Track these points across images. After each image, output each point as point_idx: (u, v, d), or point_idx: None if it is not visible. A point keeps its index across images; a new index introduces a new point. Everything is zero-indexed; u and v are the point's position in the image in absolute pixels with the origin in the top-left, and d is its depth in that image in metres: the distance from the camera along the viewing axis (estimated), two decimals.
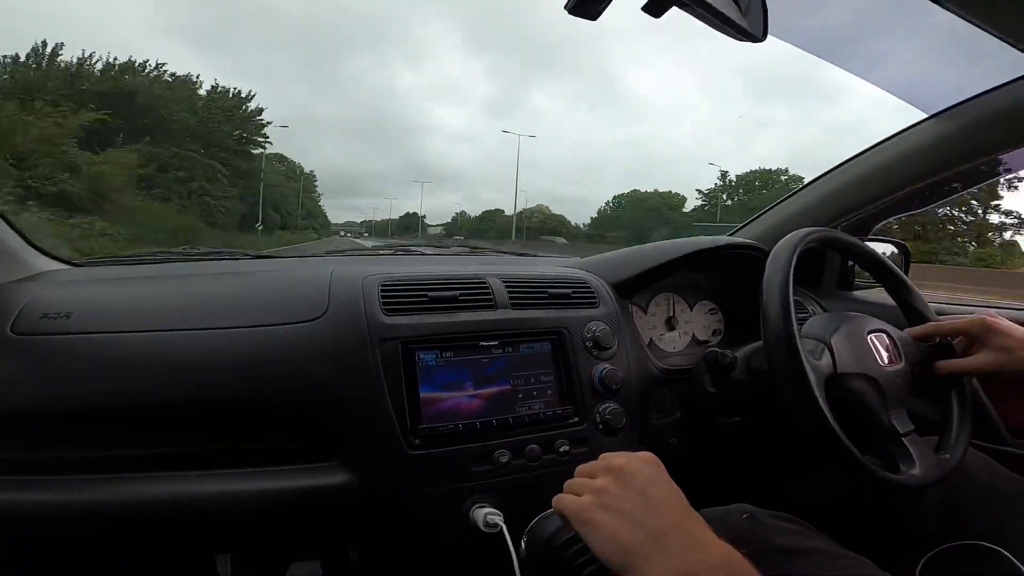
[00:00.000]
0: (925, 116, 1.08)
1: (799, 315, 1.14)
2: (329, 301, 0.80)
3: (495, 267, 1.01)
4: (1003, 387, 0.99)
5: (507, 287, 0.88)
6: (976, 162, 1.07)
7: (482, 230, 69.26)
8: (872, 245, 1.31)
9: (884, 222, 1.32)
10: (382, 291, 0.82)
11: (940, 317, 0.86)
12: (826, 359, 0.73)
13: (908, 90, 1.12)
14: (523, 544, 0.66)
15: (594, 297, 0.94)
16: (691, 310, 1.17)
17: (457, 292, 0.84)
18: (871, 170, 1.17)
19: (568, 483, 0.57)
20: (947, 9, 0.77)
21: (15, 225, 0.99)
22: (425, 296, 0.83)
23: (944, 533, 0.73)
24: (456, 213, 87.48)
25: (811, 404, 0.66)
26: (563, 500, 0.54)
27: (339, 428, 0.75)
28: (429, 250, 1.38)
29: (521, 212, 59.28)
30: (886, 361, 0.76)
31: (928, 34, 1.02)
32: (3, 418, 0.70)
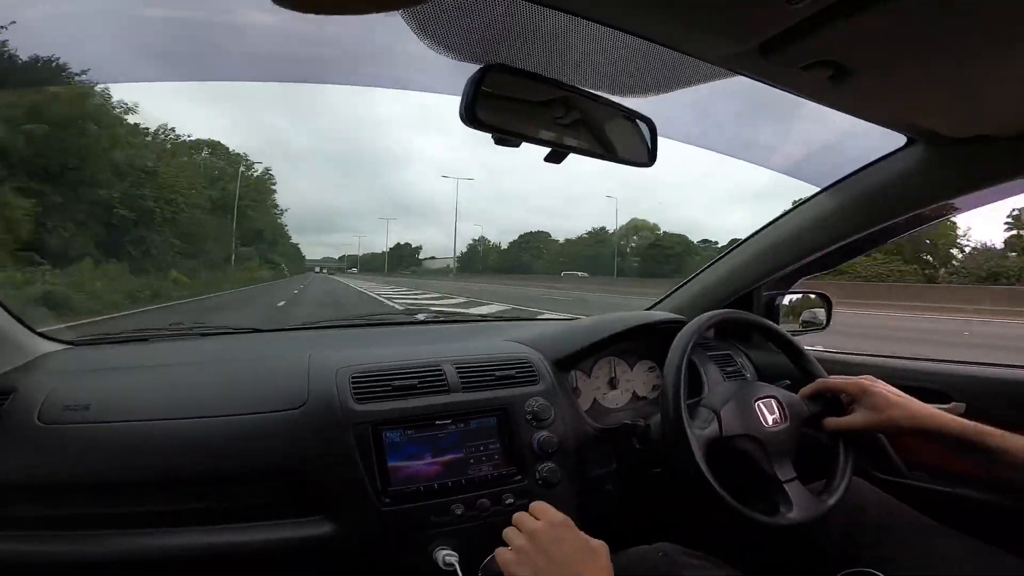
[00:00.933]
0: (818, 190, 1.25)
1: (726, 369, 1.31)
2: (309, 392, 0.97)
3: (450, 347, 1.17)
4: None
5: (459, 372, 1.05)
6: (870, 229, 1.20)
7: (524, 261, 64.23)
8: (794, 297, 1.49)
9: (804, 278, 1.49)
10: (352, 383, 0.98)
11: (829, 376, 1.00)
12: (713, 426, 0.90)
13: (799, 170, 1.31)
14: None
15: (535, 375, 1.11)
16: (631, 370, 1.33)
17: (416, 380, 1.01)
18: (780, 239, 1.34)
19: (504, 532, 0.75)
20: (814, 102, 0.89)
21: (10, 308, 1.10)
22: (390, 385, 0.99)
23: (842, 563, 0.88)
24: (475, 239, 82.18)
25: (693, 466, 0.83)
26: (500, 554, 0.72)
27: (322, 491, 0.91)
28: (394, 320, 1.54)
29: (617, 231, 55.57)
30: (770, 423, 0.92)
31: (810, 119, 1.19)
32: (35, 490, 0.85)
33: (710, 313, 1.01)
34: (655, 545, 0.88)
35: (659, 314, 1.32)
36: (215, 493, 0.90)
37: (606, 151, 0.77)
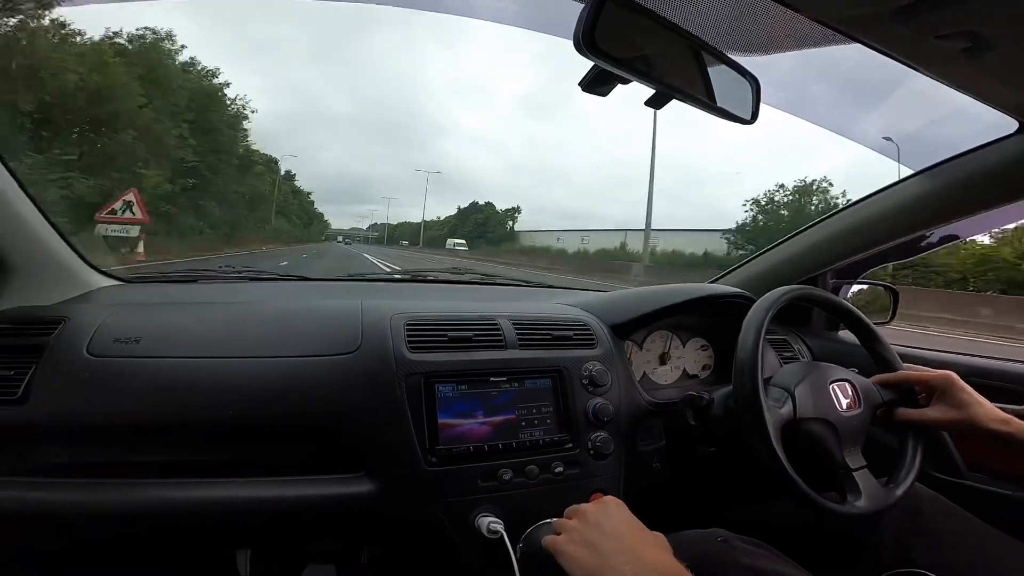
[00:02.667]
0: (912, 172, 1.17)
1: (783, 355, 1.25)
2: (362, 337, 0.92)
3: (506, 305, 1.12)
4: None
5: (516, 329, 1.01)
6: (962, 218, 1.14)
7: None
8: (862, 287, 1.42)
9: (874, 269, 1.41)
10: (407, 330, 0.94)
11: (906, 365, 0.96)
12: (788, 407, 0.85)
13: (890, 148, 1.22)
14: (519, 548, 0.79)
15: (592, 339, 1.06)
16: (684, 346, 1.28)
17: (472, 333, 0.97)
18: (859, 222, 1.26)
19: (555, 523, 0.73)
20: (931, 77, 0.84)
21: (72, 242, 1.11)
22: (445, 336, 0.95)
23: (895, 561, 0.84)
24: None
25: (767, 447, 0.78)
26: (549, 539, 0.70)
27: (368, 445, 0.86)
28: (443, 276, 1.50)
29: None
30: (844, 407, 0.88)
31: (914, 98, 1.11)
32: (78, 429, 0.81)
33: (789, 287, 0.94)
34: (711, 530, 0.85)
35: (717, 287, 1.26)
36: (257, 442, 0.86)
37: (710, 101, 0.71)
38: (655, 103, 0.69)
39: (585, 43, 0.52)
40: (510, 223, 63.94)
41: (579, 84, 0.72)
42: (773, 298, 0.91)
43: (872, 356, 0.99)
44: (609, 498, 0.72)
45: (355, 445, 0.87)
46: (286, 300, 1.17)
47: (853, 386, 0.90)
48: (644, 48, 0.61)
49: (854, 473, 0.84)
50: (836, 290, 1.42)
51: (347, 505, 0.85)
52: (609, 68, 0.60)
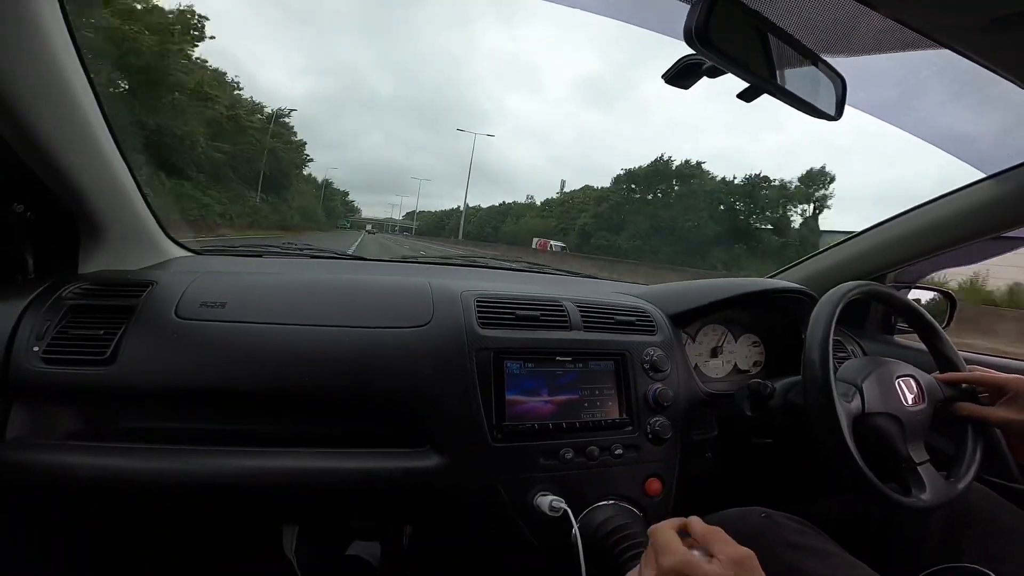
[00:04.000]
0: (983, 176, 1.15)
1: (837, 355, 1.26)
2: (434, 310, 0.95)
3: (567, 290, 1.14)
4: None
5: (581, 312, 1.03)
6: None
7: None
8: (919, 293, 1.41)
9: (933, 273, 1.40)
10: (478, 306, 0.97)
11: (970, 366, 0.96)
12: (856, 401, 0.86)
13: (966, 150, 1.20)
14: (576, 527, 0.81)
15: (653, 325, 1.08)
16: (735, 341, 1.28)
17: (539, 312, 0.99)
18: (924, 225, 1.24)
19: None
20: (1011, 81, 0.85)
21: (156, 212, 1.15)
22: (514, 314, 0.97)
23: (941, 556, 0.84)
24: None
25: (839, 441, 0.79)
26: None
27: (436, 418, 0.87)
28: (494, 264, 1.54)
29: None
30: (910, 402, 0.89)
31: (992, 101, 1.10)
32: (163, 392, 0.81)
33: (859, 282, 0.94)
34: (751, 508, 0.86)
35: (778, 282, 1.26)
36: (329, 413, 0.87)
37: (800, 97, 0.72)
38: (747, 96, 0.70)
39: (698, 36, 0.54)
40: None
41: (663, 76, 0.74)
42: (844, 291, 0.91)
43: (934, 355, 0.99)
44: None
45: (423, 418, 0.87)
46: (354, 275, 1.20)
47: (918, 382, 0.91)
48: (749, 45, 0.62)
49: (919, 467, 0.84)
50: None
51: (411, 479, 0.86)
52: (715, 62, 0.61)
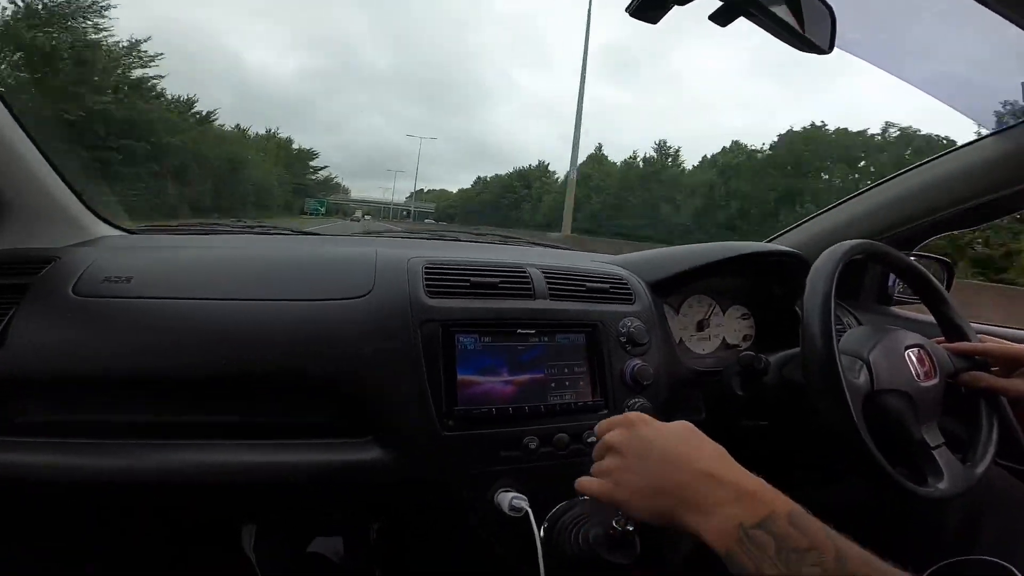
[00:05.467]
0: (987, 133, 1.06)
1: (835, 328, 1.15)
2: (375, 280, 0.83)
3: (534, 258, 1.03)
4: None
5: (547, 278, 0.90)
6: None
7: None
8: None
9: (930, 239, 1.30)
10: (426, 273, 0.84)
11: (979, 336, 0.87)
12: (864, 376, 0.75)
13: (969, 104, 1.10)
14: (542, 529, 0.70)
15: (630, 294, 0.96)
16: (723, 314, 1.17)
17: (498, 280, 0.87)
18: (923, 185, 1.15)
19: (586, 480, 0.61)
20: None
21: (76, 189, 1.04)
22: (467, 281, 0.85)
23: (959, 542, 0.75)
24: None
25: (848, 423, 0.68)
26: (584, 483, 0.60)
27: (376, 405, 0.77)
28: (464, 236, 1.42)
29: None
30: (922, 376, 0.77)
31: (997, 49, 1.00)
32: (60, 379, 0.73)
33: (850, 242, 0.82)
34: None
35: (768, 245, 1.16)
36: (256, 400, 0.77)
37: (783, 20, 0.61)
38: (720, 18, 0.59)
39: None
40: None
41: (626, 10, 0.62)
42: (842, 250, 0.79)
43: (941, 322, 0.89)
44: (634, 415, 0.60)
45: (362, 403, 0.77)
46: (298, 249, 1.08)
47: (928, 353, 0.80)
48: None
49: (934, 451, 0.74)
50: None
51: (352, 474, 0.76)
52: None
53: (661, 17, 0.63)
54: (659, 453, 0.54)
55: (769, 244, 1.15)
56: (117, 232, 1.13)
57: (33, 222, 0.95)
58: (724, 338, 1.17)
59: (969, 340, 0.86)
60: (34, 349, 0.72)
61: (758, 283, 1.18)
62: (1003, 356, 0.81)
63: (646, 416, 0.60)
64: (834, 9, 0.69)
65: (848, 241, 0.82)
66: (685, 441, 0.56)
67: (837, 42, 0.71)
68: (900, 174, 1.19)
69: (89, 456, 0.72)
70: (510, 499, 0.74)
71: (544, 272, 0.91)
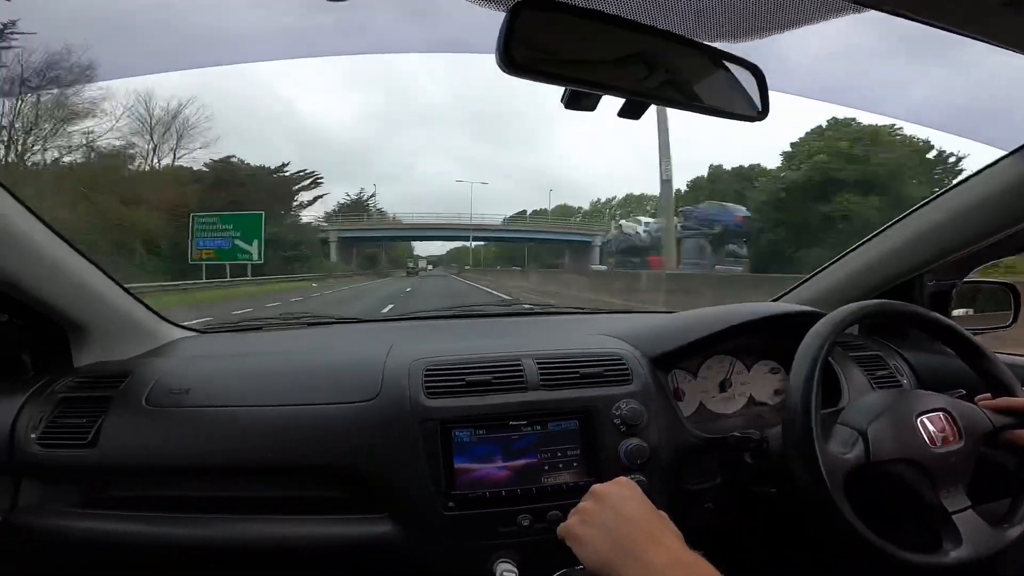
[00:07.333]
0: (1004, 153, 0.99)
1: (877, 374, 1.08)
2: (382, 384, 0.94)
3: (534, 339, 1.08)
4: None
5: (540, 368, 0.96)
6: None
7: None
8: (972, 288, 1.21)
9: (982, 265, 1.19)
10: (425, 376, 0.94)
11: None
12: (857, 450, 0.74)
13: (966, 125, 1.04)
14: None
15: (627, 374, 0.98)
16: (748, 371, 1.14)
17: (491, 376, 0.94)
18: (956, 212, 1.08)
19: (575, 511, 0.69)
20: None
21: (143, 301, 1.25)
22: (463, 380, 0.93)
23: None
24: None
25: (823, 495, 0.68)
26: (561, 525, 0.68)
27: (387, 489, 0.88)
28: (490, 310, 1.50)
29: None
30: (938, 442, 0.75)
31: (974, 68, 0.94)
32: (139, 469, 0.92)
33: (854, 304, 0.82)
34: None
35: (788, 306, 1.12)
36: (290, 479, 0.93)
37: (702, 101, 0.63)
38: (630, 113, 0.62)
39: (505, 63, 0.47)
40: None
41: (561, 101, 0.67)
42: (834, 321, 0.80)
43: (982, 377, 0.84)
44: (624, 479, 0.69)
45: (375, 487, 0.89)
46: (325, 347, 1.23)
47: (949, 416, 0.77)
48: (587, 52, 0.54)
49: (953, 517, 0.71)
50: (939, 294, 1.21)
51: (368, 546, 0.88)
52: (568, 90, 0.54)
53: (595, 106, 0.66)
54: (627, 512, 0.62)
55: (780, 304, 1.11)
56: (186, 334, 1.35)
57: (110, 336, 1.14)
58: (751, 395, 1.13)
59: (1014, 394, 0.80)
60: (119, 448, 0.91)
61: (782, 339, 1.13)
62: None
63: (633, 483, 0.68)
64: (760, 68, 0.69)
65: (847, 307, 0.83)
66: (648, 509, 0.64)
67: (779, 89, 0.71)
68: (926, 203, 1.12)
69: (167, 527, 0.90)
70: (502, 570, 0.81)
71: (537, 361, 0.97)
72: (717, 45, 0.64)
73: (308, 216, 33.60)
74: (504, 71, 0.48)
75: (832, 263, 1.27)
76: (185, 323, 1.37)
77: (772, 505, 0.89)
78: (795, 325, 1.06)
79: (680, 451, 0.93)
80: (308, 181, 32.71)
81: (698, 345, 1.04)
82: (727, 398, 1.12)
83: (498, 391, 0.93)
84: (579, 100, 0.63)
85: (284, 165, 32.43)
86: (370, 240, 43.60)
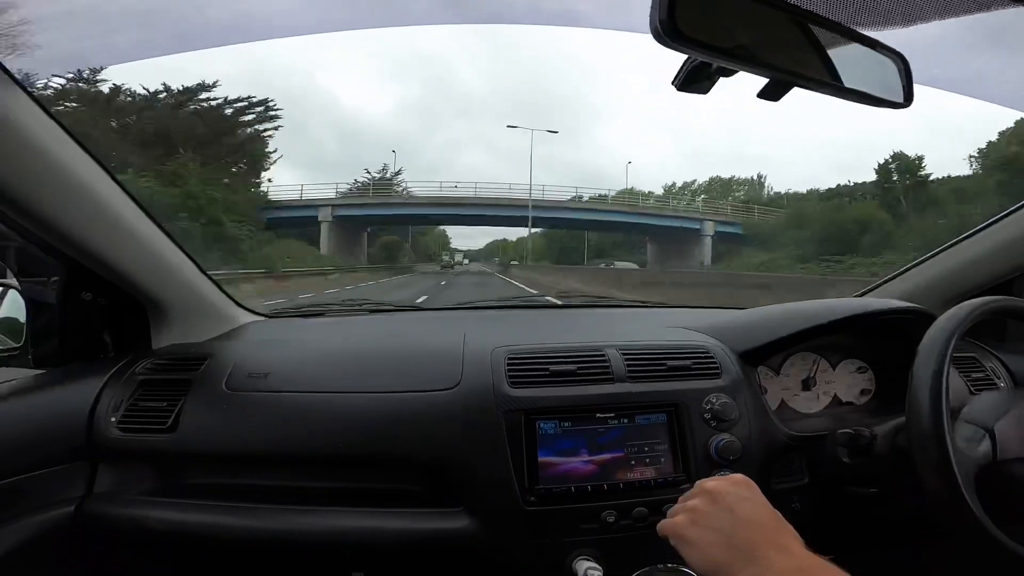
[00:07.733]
0: None
1: (973, 375, 1.02)
2: (463, 373, 0.91)
3: (617, 331, 1.05)
4: None
5: (625, 359, 0.93)
6: None
7: None
8: None
9: None
10: (508, 365, 0.91)
11: None
12: (984, 447, 0.70)
13: None
14: None
15: (716, 368, 0.94)
16: (834, 369, 1.09)
17: (576, 366, 0.91)
18: None
19: (670, 509, 0.64)
20: None
21: (222, 287, 1.25)
22: (547, 370, 0.90)
23: None
24: None
25: (956, 498, 0.64)
26: (663, 523, 0.62)
27: (467, 482, 0.85)
28: (557, 301, 1.46)
29: None
30: None
31: None
32: (219, 455, 0.90)
33: (983, 299, 0.76)
34: None
35: (880, 301, 1.06)
36: (366, 474, 0.90)
37: (847, 85, 0.58)
38: (770, 94, 0.57)
39: (666, 30, 0.43)
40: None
41: (672, 83, 0.62)
42: (961, 315, 0.73)
43: None
44: (740, 477, 0.62)
45: (454, 480, 0.86)
46: (397, 334, 1.21)
47: None
48: (746, 26, 0.50)
49: None
50: None
51: (445, 540, 0.84)
52: (691, 70, 0.50)
53: (710, 88, 0.62)
54: (746, 514, 0.56)
55: (877, 300, 1.05)
56: (255, 318, 1.34)
57: (188, 318, 1.13)
58: (836, 394, 1.08)
59: None
60: (199, 432, 0.89)
61: (872, 338, 1.08)
62: None
63: (752, 483, 0.62)
64: (905, 55, 0.65)
65: (972, 301, 0.76)
66: (769, 511, 0.58)
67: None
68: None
69: (243, 518, 0.86)
70: (585, 568, 0.77)
71: (623, 352, 0.94)
72: (863, 31, 0.59)
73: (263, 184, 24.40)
74: (659, 40, 0.44)
75: (925, 259, 1.20)
76: (251, 307, 1.38)
77: (870, 506, 0.86)
78: (892, 322, 1.01)
79: (769, 450, 0.89)
80: (251, 116, 22.32)
81: (786, 341, 1.00)
82: (810, 397, 1.07)
83: (583, 382, 0.89)
84: (697, 80, 0.59)
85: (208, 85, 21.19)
86: (379, 220, 32.59)
